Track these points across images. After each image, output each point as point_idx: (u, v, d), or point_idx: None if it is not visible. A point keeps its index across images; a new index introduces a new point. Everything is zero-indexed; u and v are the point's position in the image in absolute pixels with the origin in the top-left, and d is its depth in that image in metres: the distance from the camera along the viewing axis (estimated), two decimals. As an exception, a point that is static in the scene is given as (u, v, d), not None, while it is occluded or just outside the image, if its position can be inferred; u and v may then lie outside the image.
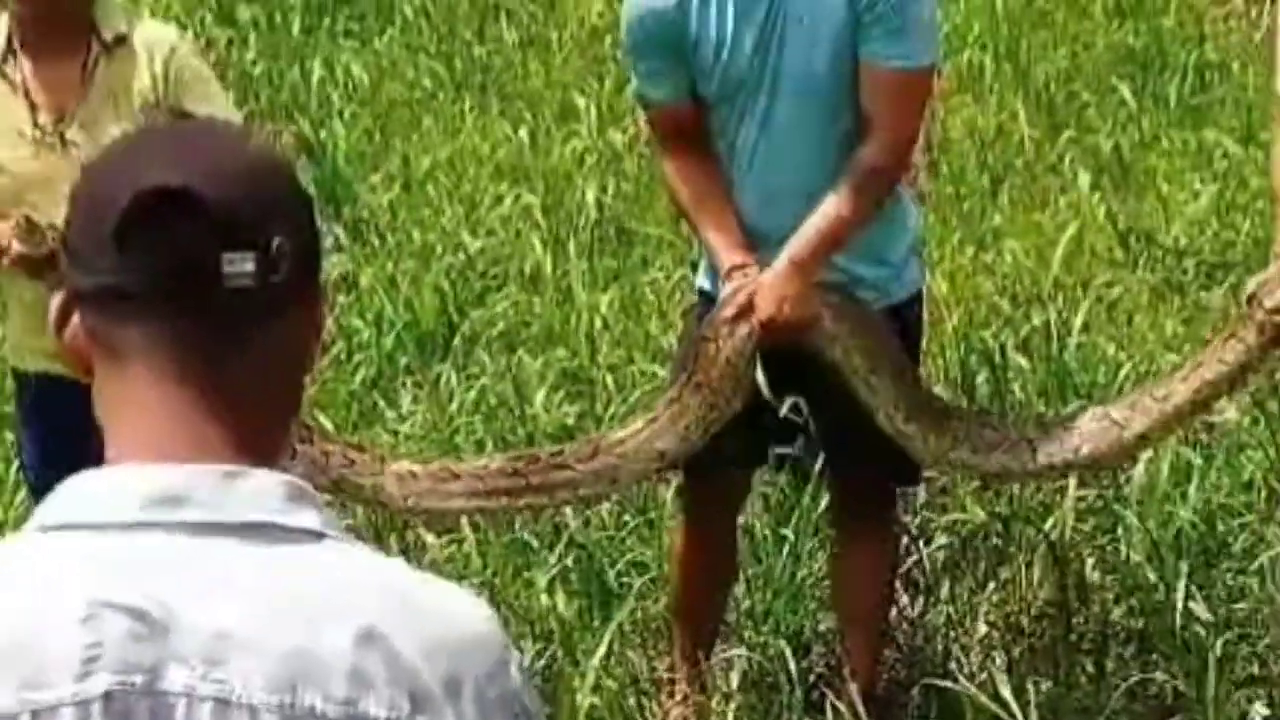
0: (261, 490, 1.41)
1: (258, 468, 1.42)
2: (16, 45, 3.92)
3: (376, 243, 6.71)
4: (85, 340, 1.47)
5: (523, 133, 7.41)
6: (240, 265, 1.42)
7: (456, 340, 5.88)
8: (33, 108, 3.90)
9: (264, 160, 1.50)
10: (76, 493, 1.42)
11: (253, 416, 1.46)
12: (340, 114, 7.81)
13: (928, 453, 3.87)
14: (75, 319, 1.47)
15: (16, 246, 3.75)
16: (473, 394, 5.44)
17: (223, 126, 1.58)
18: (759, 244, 3.81)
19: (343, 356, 5.82)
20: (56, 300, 1.49)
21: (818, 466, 4.19)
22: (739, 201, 3.85)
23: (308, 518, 1.42)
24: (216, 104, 3.95)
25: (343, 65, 8.26)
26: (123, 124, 3.78)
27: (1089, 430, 3.79)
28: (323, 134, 7.54)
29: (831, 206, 3.72)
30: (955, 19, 8.36)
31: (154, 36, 3.97)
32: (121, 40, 3.91)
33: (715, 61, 3.78)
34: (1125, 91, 7.41)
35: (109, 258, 1.43)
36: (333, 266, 6.36)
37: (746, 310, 3.74)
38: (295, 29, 8.73)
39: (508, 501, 3.91)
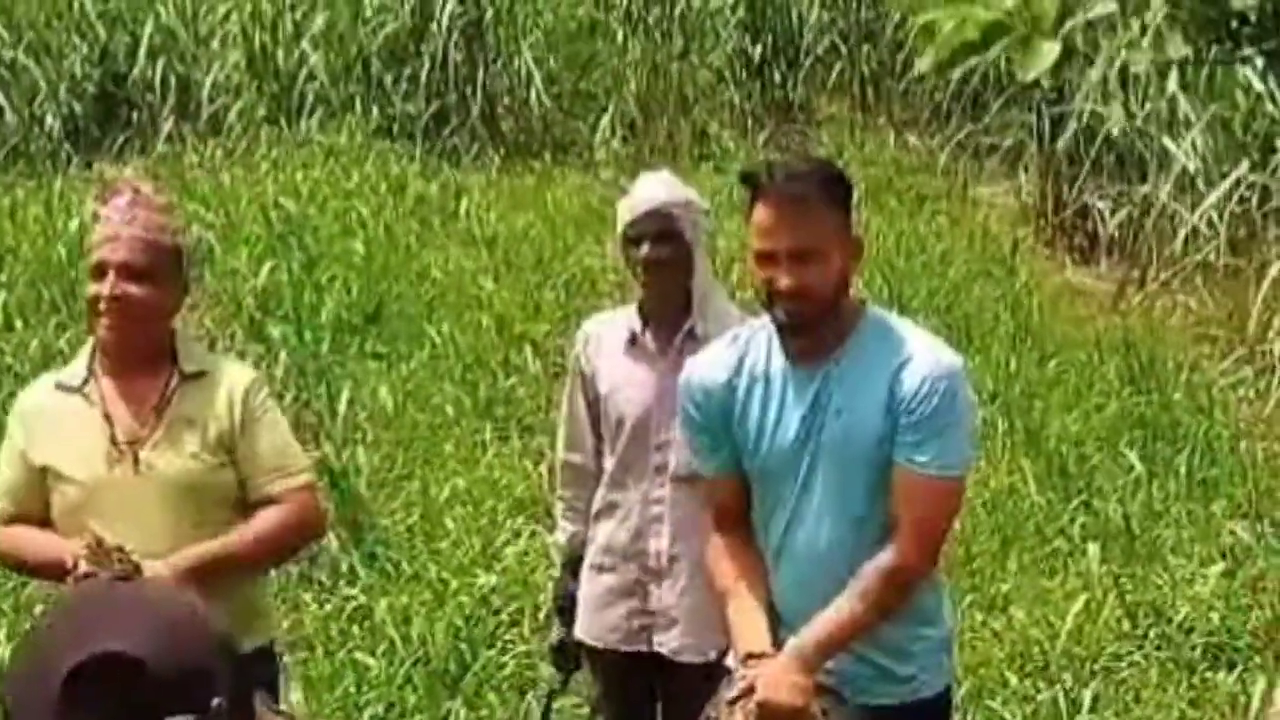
0: None
1: None
2: (98, 368, 4.16)
3: (393, 571, 6.72)
4: None
5: (543, 468, 7.47)
6: None
7: (467, 678, 5.87)
8: (110, 428, 4.09)
9: (200, 623, 1.55)
10: None
11: None
12: (363, 438, 7.88)
13: None
14: None
15: (84, 566, 3.84)
16: (482, 738, 5.42)
17: (162, 590, 1.64)
18: (786, 626, 3.83)
19: (352, 690, 5.80)
20: None
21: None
22: (771, 582, 3.89)
23: None
24: (276, 441, 4.17)
25: (369, 388, 8.36)
26: (192, 452, 4.06)
27: None
28: (345, 456, 7.60)
29: (845, 602, 3.74)
30: (972, 374, 8.47)
31: (234, 375, 4.22)
32: (201, 375, 4.15)
33: (757, 444, 3.85)
34: (1134, 459, 7.48)
35: None
36: (347, 600, 6.39)
37: (748, 692, 3.73)
38: (325, 347, 8.86)
39: None
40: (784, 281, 3.70)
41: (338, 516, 6.69)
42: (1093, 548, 6.65)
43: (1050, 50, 2.56)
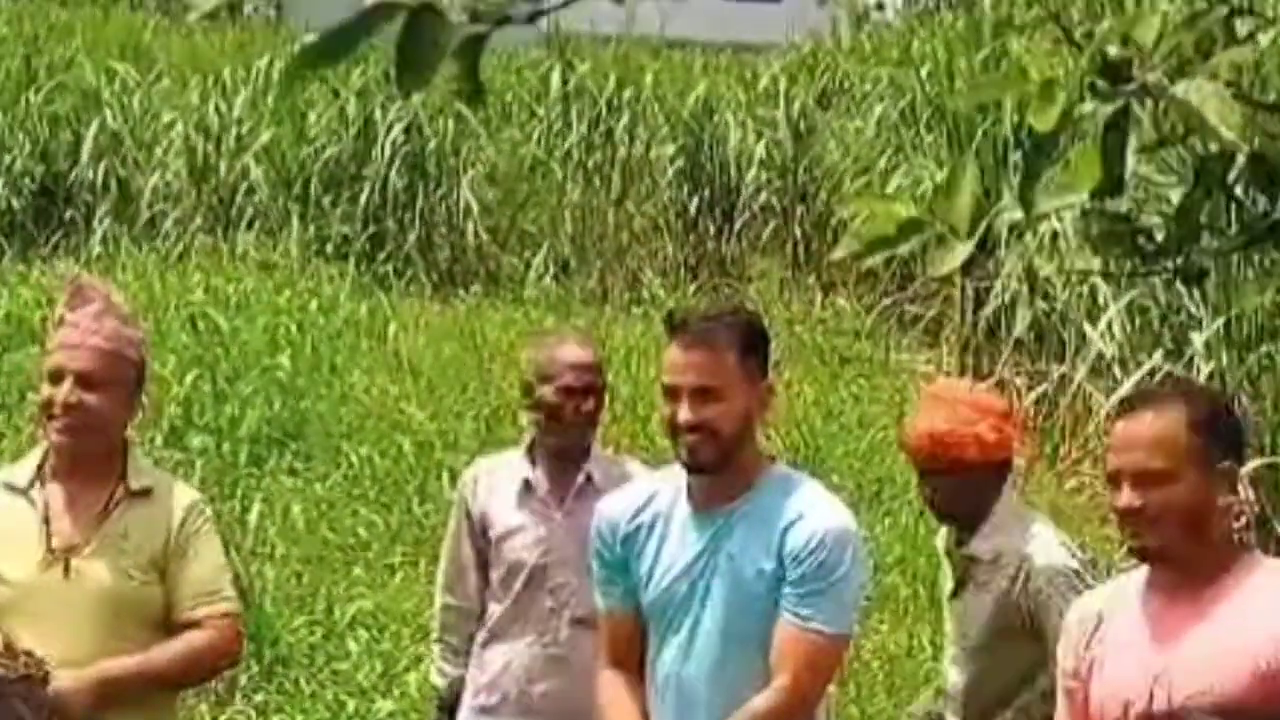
0: None
1: None
2: (47, 472, 4.17)
3: (291, 689, 6.71)
4: None
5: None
6: None
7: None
8: (48, 532, 4.10)
9: None
10: None
11: None
12: (272, 553, 7.88)
13: None
14: None
15: None
16: None
17: None
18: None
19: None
20: None
21: None
22: (653, 715, 3.94)
23: None
24: (207, 567, 4.18)
25: (282, 504, 8.36)
26: (124, 567, 4.08)
27: None
28: (252, 570, 7.59)
29: None
30: (879, 537, 8.57)
31: (179, 497, 4.23)
32: (147, 493, 4.17)
33: (649, 580, 3.93)
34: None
35: None
36: (240, 714, 6.36)
37: None
38: (242, 460, 8.87)
39: None
40: (684, 415, 3.79)
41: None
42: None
43: (963, 250, 2.72)
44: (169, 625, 4.15)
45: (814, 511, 3.86)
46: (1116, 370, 10.03)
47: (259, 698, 6.62)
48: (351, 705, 6.48)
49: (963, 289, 11.90)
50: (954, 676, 4.53)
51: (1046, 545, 4.46)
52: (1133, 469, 3.45)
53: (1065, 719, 3.67)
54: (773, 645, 3.82)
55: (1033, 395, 10.98)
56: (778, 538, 3.82)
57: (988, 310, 11.54)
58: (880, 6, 16.91)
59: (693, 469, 3.88)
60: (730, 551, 3.86)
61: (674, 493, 3.96)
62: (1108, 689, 3.54)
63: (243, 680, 6.69)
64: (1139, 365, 9.87)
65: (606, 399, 4.77)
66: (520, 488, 4.66)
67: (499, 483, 4.71)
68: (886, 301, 13.02)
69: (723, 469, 3.86)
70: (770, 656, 3.82)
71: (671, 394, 3.84)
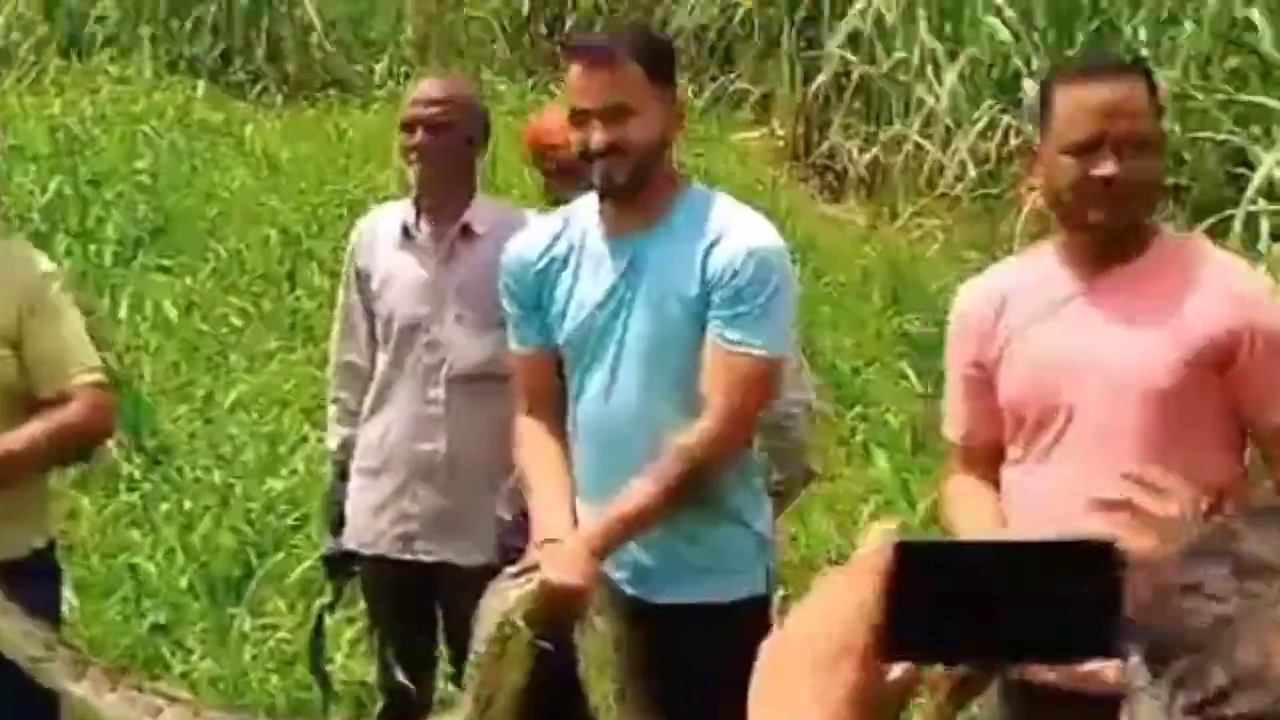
0: None
1: None
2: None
3: (176, 477, 5.74)
4: None
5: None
6: None
7: (251, 584, 4.93)
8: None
9: None
10: None
11: None
12: (147, 346, 6.85)
13: None
14: None
15: None
16: (269, 645, 4.49)
17: None
18: (591, 506, 3.19)
19: (130, 596, 4.83)
20: None
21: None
22: (576, 459, 3.26)
23: None
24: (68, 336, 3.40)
25: (153, 299, 7.31)
26: None
27: None
28: (128, 362, 6.56)
29: (639, 484, 3.11)
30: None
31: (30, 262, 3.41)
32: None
33: (564, 312, 3.26)
34: (908, 369, 6.80)
35: None
36: (126, 505, 5.41)
37: (530, 569, 3.08)
38: (108, 260, 7.78)
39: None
40: (596, 138, 3.15)
41: (119, 422, 5.68)
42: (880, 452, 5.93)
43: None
44: (32, 404, 3.29)
45: (737, 229, 3.17)
46: (950, 124, 9.22)
47: (146, 487, 5.65)
48: (240, 487, 5.53)
49: (791, 62, 11.00)
50: None
51: None
52: (1117, 135, 2.72)
53: (960, 410, 2.98)
54: (703, 373, 3.13)
55: (865, 158, 10.13)
56: (700, 260, 3.15)
57: (817, 82, 10.65)
58: None
59: (607, 192, 3.20)
60: (649, 278, 3.17)
61: (585, 223, 3.28)
62: (1027, 373, 2.85)
63: (125, 470, 5.72)
64: (974, 123, 9.08)
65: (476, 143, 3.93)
66: (400, 234, 3.90)
67: (381, 231, 3.95)
68: (714, 85, 12.03)
69: (638, 190, 3.18)
70: (701, 385, 3.13)
71: (580, 119, 3.16)
